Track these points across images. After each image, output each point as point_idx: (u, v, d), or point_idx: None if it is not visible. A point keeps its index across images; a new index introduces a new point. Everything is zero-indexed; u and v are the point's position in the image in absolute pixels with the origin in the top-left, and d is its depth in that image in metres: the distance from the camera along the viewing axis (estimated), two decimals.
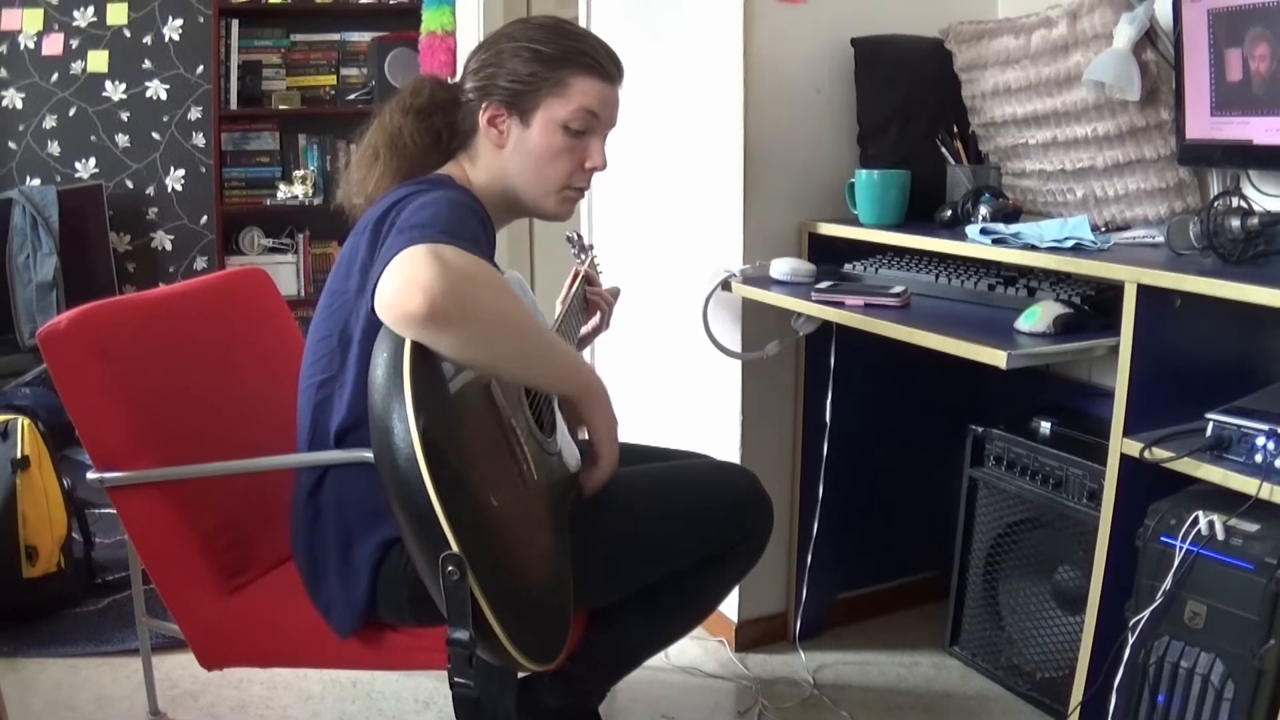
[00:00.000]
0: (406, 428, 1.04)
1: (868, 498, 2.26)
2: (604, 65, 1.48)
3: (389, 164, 1.48)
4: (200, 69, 4.19)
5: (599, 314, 1.86)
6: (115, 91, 4.13)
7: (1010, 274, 1.79)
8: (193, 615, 1.51)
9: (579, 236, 2.00)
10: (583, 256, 1.95)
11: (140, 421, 1.51)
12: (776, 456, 2.19)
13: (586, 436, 1.38)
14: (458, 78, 1.53)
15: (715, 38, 2.10)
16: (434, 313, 1.09)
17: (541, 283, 3.87)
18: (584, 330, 1.85)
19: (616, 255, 2.57)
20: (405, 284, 1.10)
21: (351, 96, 4.34)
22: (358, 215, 1.45)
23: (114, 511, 1.53)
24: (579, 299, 1.79)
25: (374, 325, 1.17)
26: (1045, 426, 1.91)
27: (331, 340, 1.39)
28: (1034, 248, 1.67)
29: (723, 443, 2.20)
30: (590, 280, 1.86)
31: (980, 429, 1.97)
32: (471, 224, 1.27)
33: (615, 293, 1.90)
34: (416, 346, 1.11)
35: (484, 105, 1.47)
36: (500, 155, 1.48)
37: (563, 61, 1.45)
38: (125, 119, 4.16)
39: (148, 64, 4.15)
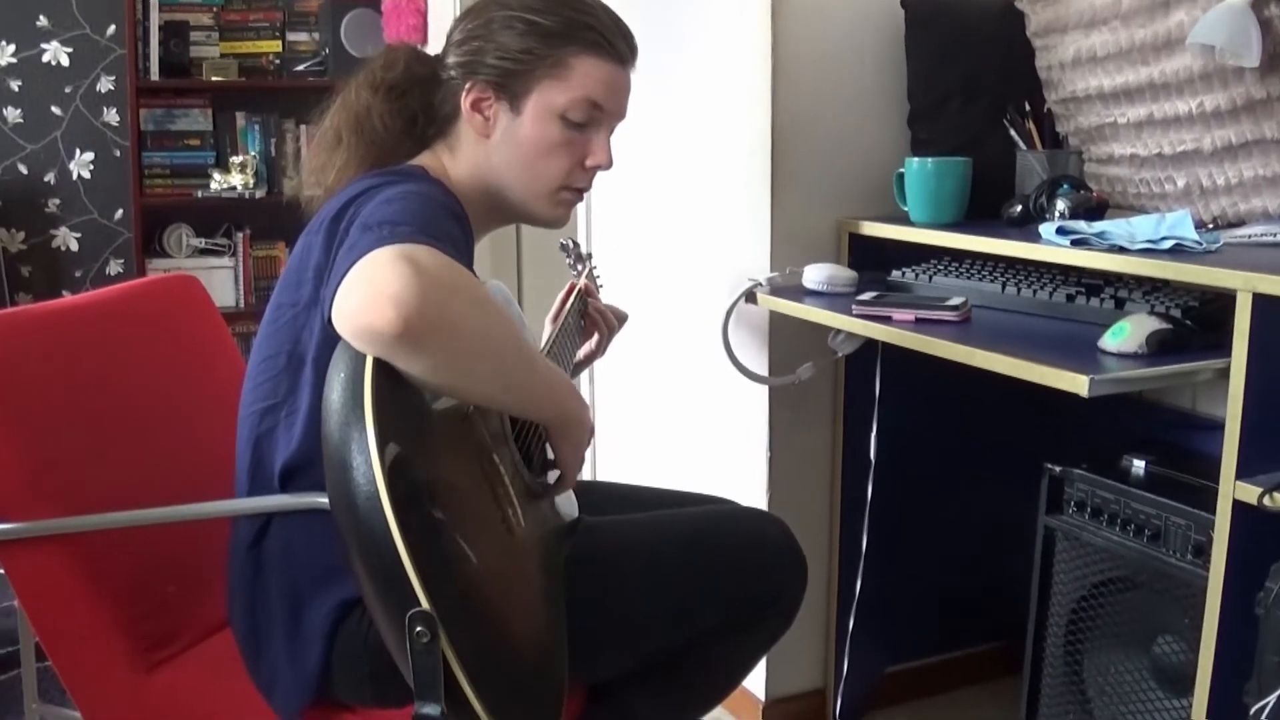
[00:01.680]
0: (368, 461, 1.04)
1: (922, 551, 2.26)
2: (613, 43, 1.47)
3: (354, 150, 1.49)
4: (111, 29, 4.19)
5: (596, 336, 1.85)
6: (2, 55, 4.12)
7: (1094, 282, 1.79)
8: (100, 699, 1.49)
9: (574, 244, 2.00)
10: (579, 268, 1.95)
11: (36, 462, 1.49)
12: (811, 501, 2.19)
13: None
14: (440, 49, 1.54)
15: None
16: (407, 329, 1.09)
17: (530, 299, 3.88)
18: (580, 354, 1.85)
19: (619, 263, 2.58)
20: (372, 293, 1.09)
21: (300, 67, 4.35)
22: (314, 209, 1.45)
23: (1, 572, 1.50)
24: (574, 317, 1.80)
25: (330, 343, 1.17)
26: (1138, 466, 1.90)
27: (278, 360, 1.39)
28: (1123, 250, 1.66)
29: (746, 485, 2.20)
30: (588, 296, 1.86)
31: (1058, 469, 1.96)
32: (448, 224, 1.28)
33: (621, 317, 1.89)
34: (381, 364, 1.11)
35: (468, 86, 1.47)
36: (484, 146, 1.48)
37: (564, 37, 1.44)
38: (16, 89, 4.14)
39: (43, 21, 4.13)
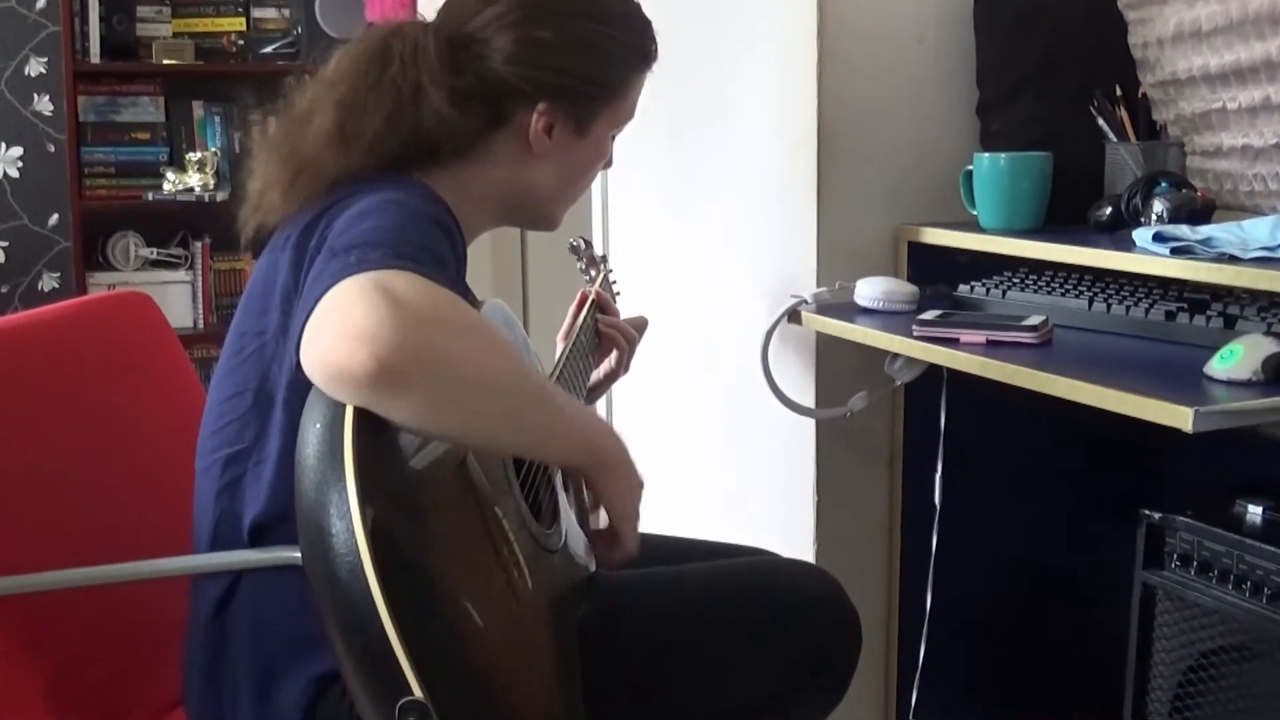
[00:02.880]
0: (349, 527, 1.04)
1: (996, 611, 2.25)
2: (656, 56, 1.60)
3: (352, 151, 1.45)
4: (41, 3, 4.20)
5: (615, 353, 1.87)
6: None
7: (1199, 297, 1.78)
8: None
9: (587, 245, 2.00)
10: (592, 273, 1.95)
11: None
12: (866, 553, 2.19)
13: (604, 523, 1.40)
14: (464, 28, 1.51)
15: None
16: (382, 369, 1.08)
17: (536, 310, 3.89)
18: (596, 375, 1.86)
19: (639, 272, 2.58)
20: (341, 334, 1.10)
21: (267, 49, 4.38)
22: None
23: None
24: (588, 333, 1.80)
25: (302, 381, 1.16)
26: (1254, 512, 1.89)
27: (244, 399, 1.39)
28: (1234, 259, 1.65)
29: (790, 533, 2.20)
30: (604, 307, 1.86)
31: (1158, 516, 1.94)
32: (433, 238, 1.28)
33: (640, 325, 1.91)
34: (362, 412, 1.11)
35: (540, 106, 1.50)
36: (526, 161, 1.54)
37: (638, 63, 1.58)
38: None
39: None
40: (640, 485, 1.41)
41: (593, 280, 1.96)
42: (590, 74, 1.53)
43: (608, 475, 1.36)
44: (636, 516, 1.40)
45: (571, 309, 1.84)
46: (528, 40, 1.50)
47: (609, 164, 1.64)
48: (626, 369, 1.89)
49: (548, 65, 1.50)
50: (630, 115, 1.61)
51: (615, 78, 1.56)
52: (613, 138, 1.62)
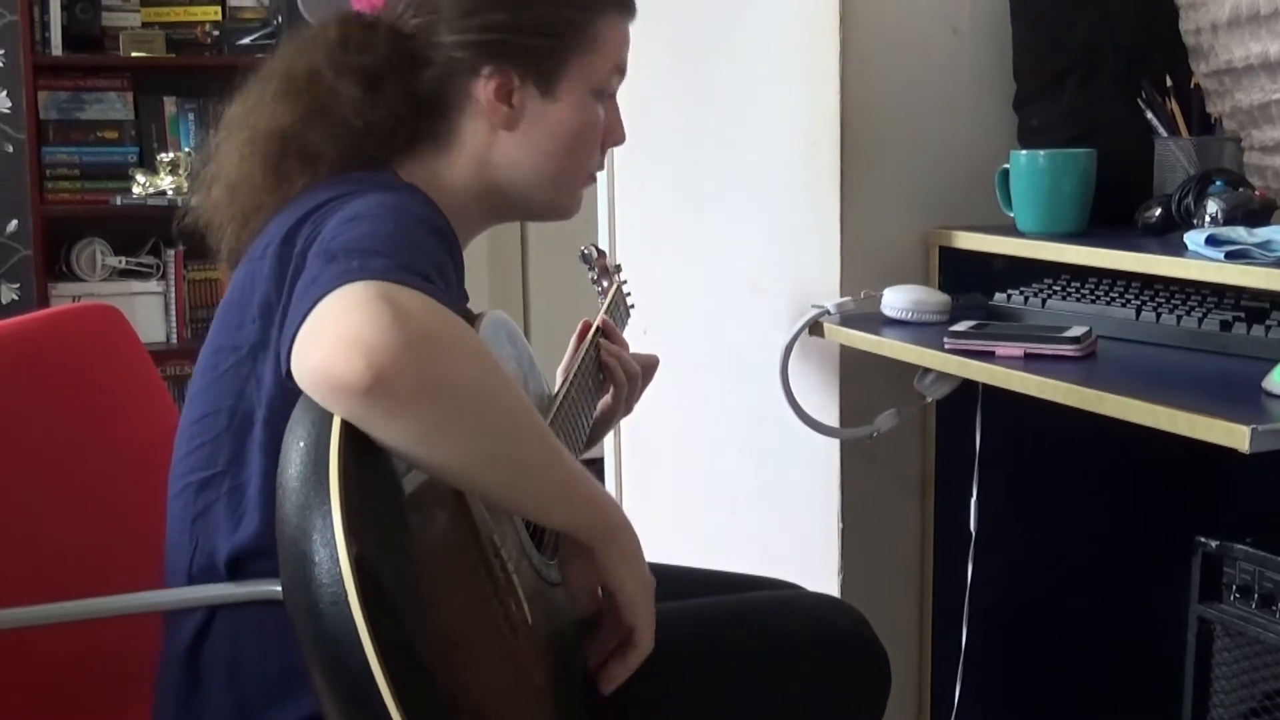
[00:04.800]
0: (333, 555, 1.04)
1: (1037, 649, 2.24)
2: None
3: (325, 151, 1.47)
4: None
5: (612, 390, 1.82)
6: None
7: (1257, 305, 1.78)
8: None
9: (599, 252, 2.00)
10: (604, 283, 1.94)
11: None
12: (895, 586, 2.19)
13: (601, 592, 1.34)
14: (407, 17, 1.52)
15: None
16: (379, 382, 1.08)
17: (537, 324, 3.89)
18: (599, 409, 1.83)
19: (648, 281, 2.57)
20: (338, 338, 1.10)
21: (245, 40, 4.40)
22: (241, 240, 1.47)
23: None
24: (590, 367, 1.78)
25: (285, 399, 1.17)
26: None
27: (218, 420, 1.39)
28: None
29: (813, 564, 2.20)
30: (608, 333, 1.83)
31: (1214, 544, 1.94)
32: (431, 246, 1.28)
33: (650, 364, 1.86)
34: (351, 430, 1.11)
35: (485, 71, 1.49)
36: (500, 142, 1.51)
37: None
38: None
39: None
40: (652, 582, 1.35)
41: (604, 291, 1.95)
42: (539, 22, 1.49)
43: (616, 550, 1.31)
44: (651, 608, 1.34)
45: (573, 340, 1.81)
46: (459, 7, 1.49)
47: (619, 139, 1.60)
48: (628, 409, 1.85)
49: (481, 22, 1.49)
50: (617, 69, 1.56)
51: (573, 21, 1.51)
52: (606, 98, 1.57)
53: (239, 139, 1.52)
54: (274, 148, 1.49)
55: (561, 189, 1.57)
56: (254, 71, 1.56)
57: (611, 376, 1.82)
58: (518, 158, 1.52)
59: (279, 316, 1.29)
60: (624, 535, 1.32)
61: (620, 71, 1.57)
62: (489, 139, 1.51)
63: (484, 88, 1.49)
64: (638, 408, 1.88)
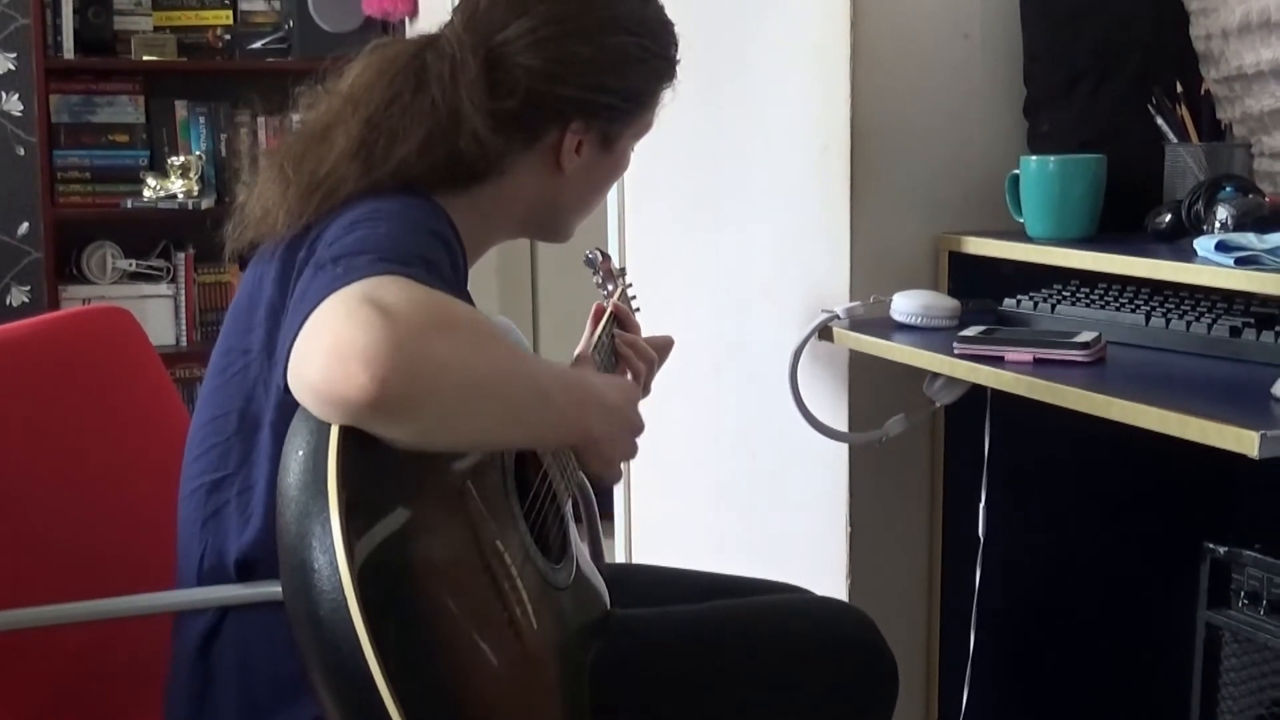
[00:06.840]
0: (332, 561, 1.04)
1: (1045, 655, 2.24)
2: (678, 60, 1.64)
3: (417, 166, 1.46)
4: None
5: (630, 376, 1.85)
6: None
7: (1266, 311, 1.77)
8: None
9: (604, 256, 2.00)
10: (610, 287, 1.95)
11: None
12: (903, 590, 2.19)
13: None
14: (495, 41, 1.51)
15: None
16: (384, 393, 1.09)
17: (547, 328, 3.90)
18: None
19: (657, 286, 2.58)
20: (333, 353, 1.10)
21: (256, 45, 4.39)
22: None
23: None
24: (605, 352, 1.79)
25: (293, 402, 1.16)
26: None
27: (228, 422, 1.40)
28: None
29: (821, 568, 2.19)
30: (622, 321, 1.85)
31: (1223, 550, 1.93)
32: (423, 243, 1.29)
33: (663, 345, 1.89)
34: (349, 437, 1.11)
35: (574, 126, 1.52)
36: (546, 179, 1.56)
37: (665, 68, 1.61)
38: None
39: None
40: (631, 429, 1.49)
41: (610, 295, 1.95)
42: (625, 89, 1.56)
43: (596, 453, 1.44)
44: (620, 458, 1.49)
45: (588, 324, 1.83)
46: (566, 58, 1.51)
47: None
48: (646, 391, 1.87)
49: (585, 83, 1.52)
50: (650, 125, 1.65)
51: (647, 90, 1.60)
52: (631, 147, 1.66)
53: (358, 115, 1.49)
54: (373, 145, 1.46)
55: (577, 220, 1.65)
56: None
57: (628, 365, 1.85)
58: (555, 195, 1.58)
59: (282, 321, 1.30)
60: (600, 439, 1.42)
61: (651, 124, 1.66)
62: (536, 176, 1.54)
63: (570, 139, 1.53)
64: (646, 406, 1.88)
